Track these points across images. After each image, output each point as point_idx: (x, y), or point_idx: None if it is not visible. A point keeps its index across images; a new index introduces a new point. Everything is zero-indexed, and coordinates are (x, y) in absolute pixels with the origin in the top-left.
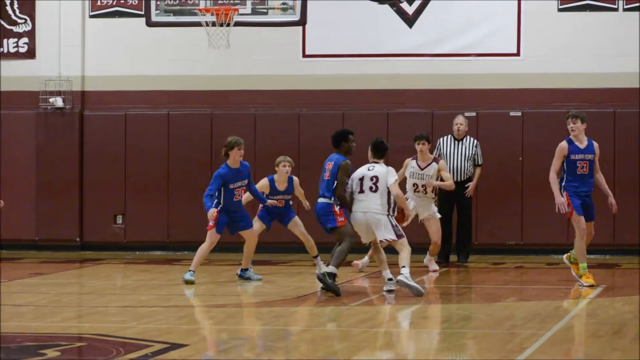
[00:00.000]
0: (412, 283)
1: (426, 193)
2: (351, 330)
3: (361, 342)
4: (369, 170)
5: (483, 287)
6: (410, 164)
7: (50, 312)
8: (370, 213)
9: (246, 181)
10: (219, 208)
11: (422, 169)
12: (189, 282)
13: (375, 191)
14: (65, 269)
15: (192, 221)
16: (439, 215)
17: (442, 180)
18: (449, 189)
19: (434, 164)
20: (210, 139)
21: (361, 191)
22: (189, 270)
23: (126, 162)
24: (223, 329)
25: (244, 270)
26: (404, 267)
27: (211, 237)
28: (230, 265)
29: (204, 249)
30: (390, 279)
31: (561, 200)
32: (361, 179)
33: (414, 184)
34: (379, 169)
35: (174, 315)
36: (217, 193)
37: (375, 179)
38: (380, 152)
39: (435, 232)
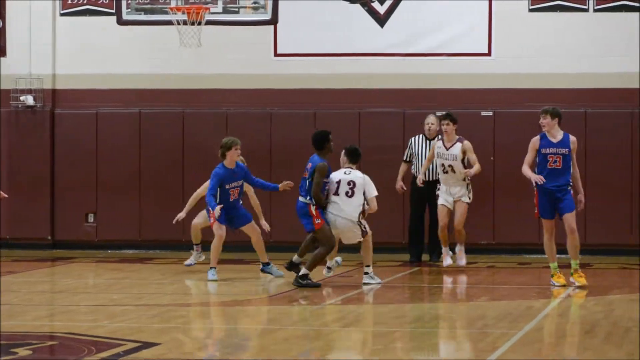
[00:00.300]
0: (376, 280)
1: (454, 172)
2: (323, 330)
3: (333, 341)
4: (345, 174)
5: (455, 287)
6: (437, 144)
7: (22, 310)
8: (341, 218)
9: (241, 182)
10: None
11: (447, 149)
12: (212, 281)
13: (351, 196)
14: (37, 268)
15: (164, 220)
16: (468, 200)
17: (468, 161)
18: (477, 172)
19: (458, 143)
20: (182, 138)
21: (336, 194)
22: (210, 268)
23: (97, 161)
24: (195, 328)
25: (266, 264)
26: (368, 266)
27: (217, 230)
28: (203, 264)
29: (214, 244)
30: (329, 268)
31: (536, 176)
32: (338, 182)
33: (442, 164)
34: (356, 174)
35: (145, 314)
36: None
37: (352, 184)
38: (355, 158)
39: (459, 216)
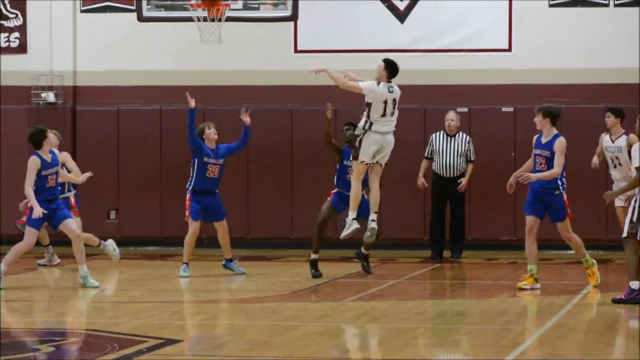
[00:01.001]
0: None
1: (622, 165)
2: (345, 326)
3: (355, 338)
4: (389, 91)
5: (477, 283)
6: (604, 138)
7: (45, 307)
8: (391, 133)
9: (222, 161)
10: (190, 187)
11: (612, 142)
12: (183, 277)
13: (393, 115)
14: (59, 265)
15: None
16: None
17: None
18: None
19: (624, 136)
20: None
21: (384, 115)
22: (183, 264)
23: (119, 157)
24: (217, 324)
25: (229, 261)
26: (375, 212)
27: (191, 225)
28: (214, 260)
29: (188, 239)
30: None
31: (509, 182)
32: (385, 102)
33: (610, 158)
34: (397, 89)
35: (167, 310)
36: (192, 169)
37: (394, 102)
38: (396, 73)
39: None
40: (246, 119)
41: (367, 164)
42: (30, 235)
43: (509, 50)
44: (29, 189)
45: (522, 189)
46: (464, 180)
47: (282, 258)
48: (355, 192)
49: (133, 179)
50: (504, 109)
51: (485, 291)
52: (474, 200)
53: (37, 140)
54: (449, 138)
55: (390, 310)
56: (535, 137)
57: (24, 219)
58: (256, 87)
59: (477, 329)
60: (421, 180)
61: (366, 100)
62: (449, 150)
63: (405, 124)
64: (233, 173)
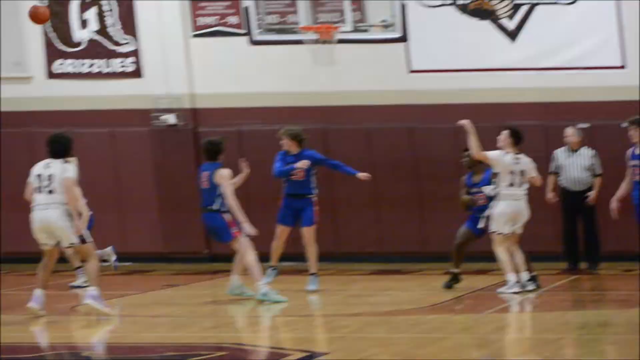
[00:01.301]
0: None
1: None
2: (489, 337)
3: (500, 349)
4: (516, 163)
5: (617, 293)
6: None
7: (188, 322)
8: (522, 201)
9: (303, 163)
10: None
11: None
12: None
13: (522, 185)
14: (197, 281)
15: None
16: None
17: None
18: None
19: None
20: (324, 154)
21: (511, 185)
22: (269, 268)
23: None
24: (360, 337)
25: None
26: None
27: (277, 229)
28: (362, 275)
29: (273, 242)
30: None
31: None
32: (511, 173)
33: None
34: (525, 160)
35: (310, 324)
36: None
37: (522, 173)
38: (521, 140)
39: None
40: (361, 176)
41: (502, 234)
42: (247, 244)
43: (623, 67)
44: (236, 201)
45: None
46: (592, 194)
47: (416, 272)
48: (502, 258)
49: (259, 195)
50: (623, 125)
51: (627, 302)
52: (605, 213)
53: (218, 152)
54: (572, 153)
55: (532, 321)
56: (629, 151)
57: (234, 230)
58: (374, 106)
59: (624, 339)
60: (550, 194)
61: (493, 170)
62: (573, 164)
63: (525, 141)
64: (360, 192)
